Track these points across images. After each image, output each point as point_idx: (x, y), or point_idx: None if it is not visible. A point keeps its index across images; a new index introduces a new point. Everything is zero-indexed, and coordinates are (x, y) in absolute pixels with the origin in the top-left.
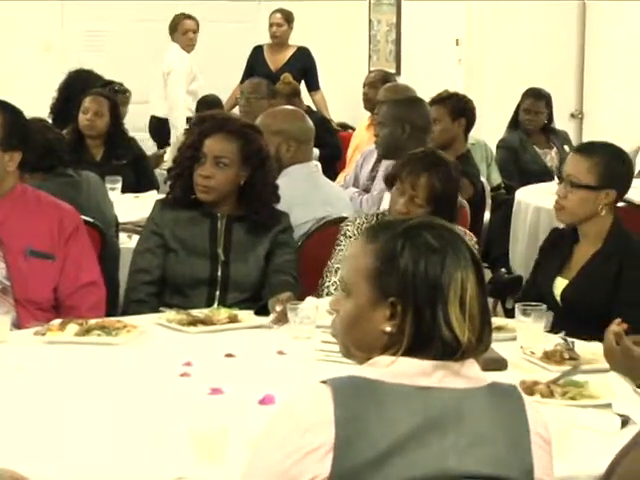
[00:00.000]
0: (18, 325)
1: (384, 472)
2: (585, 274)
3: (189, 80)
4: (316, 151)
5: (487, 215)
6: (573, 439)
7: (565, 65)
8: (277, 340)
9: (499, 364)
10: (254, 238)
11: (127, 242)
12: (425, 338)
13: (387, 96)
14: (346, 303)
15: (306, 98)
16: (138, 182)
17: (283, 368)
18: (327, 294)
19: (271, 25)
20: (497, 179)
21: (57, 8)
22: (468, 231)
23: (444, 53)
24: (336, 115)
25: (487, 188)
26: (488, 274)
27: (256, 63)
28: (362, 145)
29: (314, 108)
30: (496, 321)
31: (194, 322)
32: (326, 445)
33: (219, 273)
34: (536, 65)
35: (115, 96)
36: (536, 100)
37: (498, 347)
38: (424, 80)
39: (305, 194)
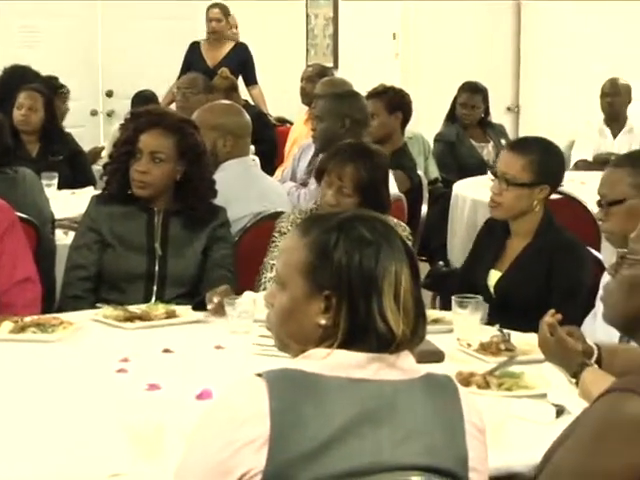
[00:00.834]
0: None
1: (319, 464)
2: (517, 267)
3: None
4: (252, 148)
5: (424, 208)
6: (509, 429)
7: (501, 59)
8: (215, 335)
9: (436, 356)
10: (191, 233)
11: (63, 238)
12: (360, 330)
13: (324, 90)
14: (281, 296)
15: (244, 93)
16: (74, 178)
17: (221, 363)
18: (264, 290)
19: (210, 20)
20: (434, 172)
21: None
22: (402, 222)
23: (381, 47)
24: (274, 109)
25: (424, 181)
26: (426, 267)
27: (193, 59)
28: (300, 139)
29: (252, 103)
30: (433, 313)
31: (131, 318)
32: (261, 438)
33: (156, 268)
34: (473, 59)
35: (51, 92)
36: (472, 94)
37: (435, 339)
38: (362, 74)
39: (242, 189)
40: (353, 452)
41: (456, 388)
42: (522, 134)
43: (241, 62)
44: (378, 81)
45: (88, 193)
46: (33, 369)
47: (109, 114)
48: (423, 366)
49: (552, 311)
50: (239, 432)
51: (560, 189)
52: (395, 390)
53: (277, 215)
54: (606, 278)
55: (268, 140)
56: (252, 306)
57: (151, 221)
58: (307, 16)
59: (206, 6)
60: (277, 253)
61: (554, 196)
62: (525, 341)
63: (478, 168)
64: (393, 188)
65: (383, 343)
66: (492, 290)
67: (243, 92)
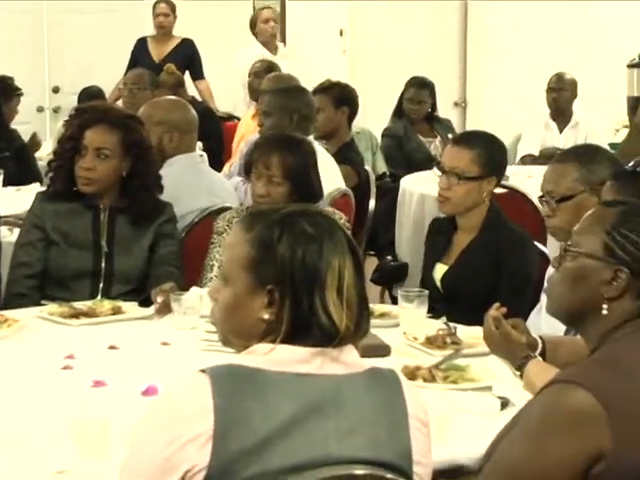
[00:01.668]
0: None
1: (264, 459)
2: (463, 261)
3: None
4: (200, 144)
5: (372, 203)
6: (454, 422)
7: (448, 54)
8: (161, 331)
9: (382, 350)
10: (137, 229)
11: (8, 235)
12: (303, 325)
13: (271, 86)
14: (225, 292)
15: (192, 89)
16: (20, 174)
17: (167, 359)
18: None
19: (157, 15)
20: (382, 167)
21: None
22: (336, 211)
23: (329, 43)
24: (222, 105)
25: (372, 176)
26: (375, 262)
27: (140, 55)
28: (248, 134)
29: (199, 99)
30: (379, 307)
31: (76, 315)
32: (205, 434)
33: (103, 265)
34: (420, 55)
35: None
36: (419, 89)
37: (381, 333)
38: (309, 70)
39: (189, 184)
40: (298, 446)
41: (400, 382)
42: (469, 129)
43: (187, 57)
44: (326, 77)
45: (34, 190)
46: None
47: (55, 110)
48: (369, 360)
49: (497, 305)
50: (183, 428)
51: (506, 183)
52: (339, 384)
53: (224, 210)
54: (551, 271)
55: (215, 136)
56: (198, 302)
57: (97, 218)
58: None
59: (153, 1)
60: (215, 253)
61: (500, 190)
62: (471, 334)
63: (426, 163)
64: (340, 183)
65: (326, 337)
66: (439, 284)
67: (191, 88)
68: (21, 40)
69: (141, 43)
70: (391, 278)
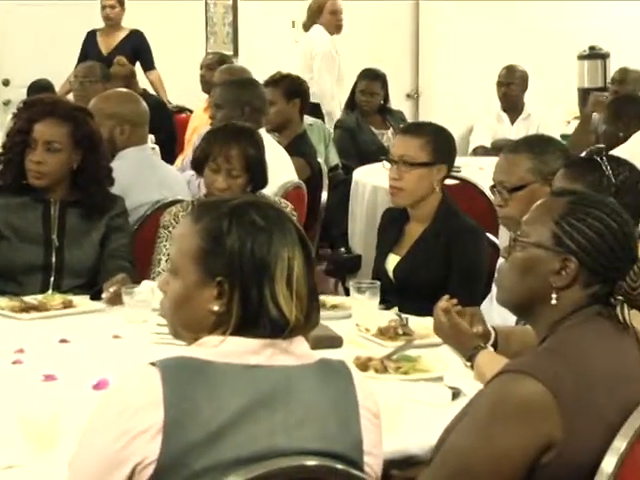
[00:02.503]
0: None
1: (215, 451)
2: (415, 251)
3: (337, 65)
4: (152, 137)
5: (324, 195)
6: (405, 412)
7: (400, 46)
8: (113, 324)
9: (334, 341)
10: (88, 223)
11: None
12: (253, 317)
13: (222, 78)
14: (174, 284)
15: (144, 82)
16: None
17: (118, 352)
18: None
19: (104, 7)
20: (335, 159)
21: None
22: (283, 200)
23: (281, 35)
24: (174, 98)
25: (324, 168)
26: (328, 254)
27: (89, 48)
28: (200, 127)
29: (151, 91)
30: (332, 299)
31: (27, 308)
32: (155, 426)
33: (53, 259)
34: (372, 46)
35: None
36: (371, 81)
37: (334, 325)
38: (262, 62)
39: (140, 177)
40: (248, 438)
41: (350, 373)
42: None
43: (135, 49)
44: (279, 69)
45: None
46: None
47: (5, 103)
48: (321, 351)
49: (447, 296)
50: (133, 421)
51: (458, 174)
52: (289, 376)
53: (176, 203)
54: (501, 261)
55: (167, 128)
56: (150, 295)
57: (47, 212)
58: (206, 4)
59: None
60: (162, 247)
61: (452, 181)
62: (423, 325)
63: (378, 155)
64: (293, 175)
65: (276, 329)
66: (391, 274)
67: (142, 81)
68: None
69: (91, 36)
70: (344, 270)
